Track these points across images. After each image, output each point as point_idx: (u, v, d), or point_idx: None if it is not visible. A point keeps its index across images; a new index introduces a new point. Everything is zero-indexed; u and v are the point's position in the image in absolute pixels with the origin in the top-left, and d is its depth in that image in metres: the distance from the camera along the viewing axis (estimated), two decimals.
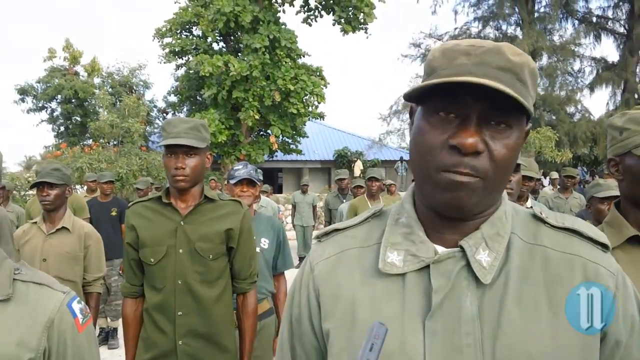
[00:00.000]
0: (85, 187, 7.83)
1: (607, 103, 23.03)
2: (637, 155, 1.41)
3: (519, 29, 22.11)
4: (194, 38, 20.30)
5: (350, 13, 18.93)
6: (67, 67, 21.78)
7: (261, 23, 18.02)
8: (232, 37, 20.20)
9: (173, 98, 22.38)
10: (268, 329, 2.99)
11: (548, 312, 0.79)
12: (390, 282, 0.85)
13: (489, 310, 0.79)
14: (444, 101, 0.79)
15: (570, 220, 0.87)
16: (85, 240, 3.25)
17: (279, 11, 19.21)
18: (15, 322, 1.11)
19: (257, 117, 18.09)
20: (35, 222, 3.24)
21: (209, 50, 19.48)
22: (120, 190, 13.11)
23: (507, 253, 0.83)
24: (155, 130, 22.41)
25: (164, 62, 20.23)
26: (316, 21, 20.11)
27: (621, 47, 22.19)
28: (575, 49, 22.01)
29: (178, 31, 20.18)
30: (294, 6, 19.56)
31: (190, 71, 19.63)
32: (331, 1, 18.92)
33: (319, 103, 19.47)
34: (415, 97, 0.83)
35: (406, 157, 22.76)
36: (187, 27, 20.40)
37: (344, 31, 19.11)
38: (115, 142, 16.10)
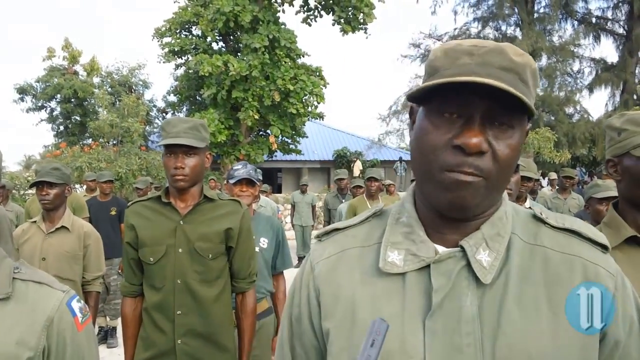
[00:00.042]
0: (84, 187, 7.83)
1: (606, 104, 23.09)
2: (636, 156, 1.41)
3: (518, 29, 22.13)
4: (194, 38, 20.29)
5: (349, 13, 18.93)
6: (67, 66, 21.77)
7: (261, 23, 18.01)
8: (231, 37, 20.20)
9: (172, 98, 22.37)
10: (267, 328, 2.99)
11: (548, 312, 0.79)
12: (391, 282, 0.85)
13: (489, 310, 0.79)
14: (448, 101, 0.79)
15: (570, 220, 0.87)
16: (84, 240, 3.26)
17: (279, 11, 19.21)
18: (14, 321, 1.11)
19: (256, 117, 18.08)
20: (35, 221, 3.24)
21: (209, 50, 19.47)
22: (119, 190, 13.11)
23: (507, 253, 0.83)
24: (155, 129, 22.39)
25: (164, 62, 20.24)
26: (316, 21, 20.13)
27: (620, 48, 22.21)
28: (575, 50, 22.02)
29: (177, 31, 20.17)
30: (293, 6, 19.56)
31: (190, 71, 19.63)
32: (331, 1, 18.92)
33: (318, 103, 19.47)
34: (417, 97, 0.83)
35: (405, 157, 22.78)
36: (187, 26, 20.40)
37: (344, 31, 19.11)
38: (114, 142, 16.10)
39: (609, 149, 1.51)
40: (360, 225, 0.96)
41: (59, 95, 20.92)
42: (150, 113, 22.24)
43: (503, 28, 22.71)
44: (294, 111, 18.36)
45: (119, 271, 5.65)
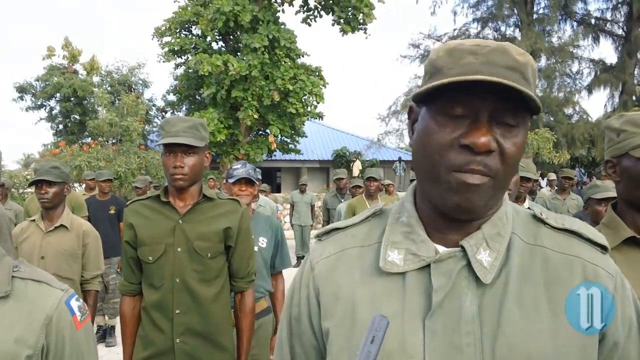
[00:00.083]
0: (83, 186, 7.84)
1: (605, 105, 23.12)
2: (634, 157, 1.41)
3: (517, 30, 22.14)
4: (193, 37, 20.28)
5: (349, 13, 18.94)
6: (66, 65, 21.76)
7: (260, 23, 18.01)
8: (231, 37, 20.19)
9: (172, 97, 22.35)
10: (265, 327, 2.99)
11: (548, 312, 0.79)
12: (391, 281, 0.85)
13: (489, 310, 0.79)
14: (453, 100, 0.78)
15: (569, 221, 0.88)
16: (83, 238, 3.25)
17: (279, 11, 19.21)
18: (13, 319, 1.11)
19: (256, 116, 18.09)
20: (34, 220, 3.24)
21: (208, 50, 19.47)
22: (118, 189, 13.12)
23: (507, 253, 0.83)
24: (154, 129, 22.38)
25: (163, 61, 20.23)
26: (315, 21, 20.13)
27: (619, 49, 22.23)
28: (574, 51, 22.04)
29: (177, 30, 20.16)
30: (293, 6, 19.56)
31: (190, 70, 19.61)
32: (330, 1, 18.92)
33: (317, 103, 19.48)
34: (422, 97, 0.82)
35: (404, 157, 22.79)
36: (187, 26, 20.38)
37: (343, 31, 19.11)
38: (113, 141, 16.10)
39: (607, 149, 1.51)
40: (360, 225, 0.96)
41: (58, 94, 20.90)
42: (150, 112, 22.22)
43: (502, 29, 22.73)
44: (294, 111, 18.37)
45: (118, 270, 5.65)
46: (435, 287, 0.80)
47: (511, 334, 0.77)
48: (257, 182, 3.03)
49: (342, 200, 7.99)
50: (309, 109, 19.44)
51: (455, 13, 28.93)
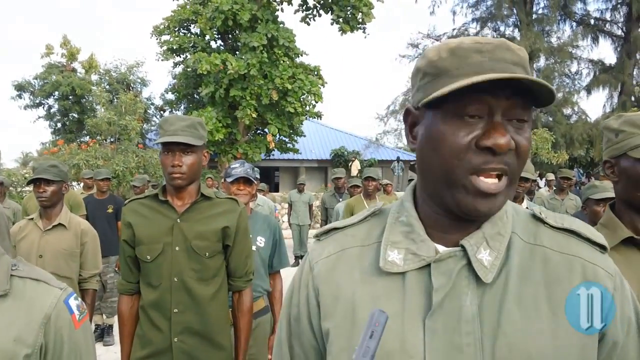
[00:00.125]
0: (81, 184, 7.82)
1: (604, 105, 23.17)
2: (633, 157, 1.41)
3: (516, 30, 22.18)
4: (192, 36, 20.25)
5: (348, 12, 18.93)
6: (65, 63, 21.74)
7: (259, 21, 18.00)
8: (230, 36, 20.17)
9: (170, 96, 22.33)
10: (263, 327, 2.99)
11: (548, 312, 0.79)
12: (391, 281, 0.84)
13: (489, 309, 0.79)
14: (465, 101, 0.77)
15: (569, 220, 0.88)
16: (81, 237, 3.25)
17: (277, 10, 19.19)
18: (12, 318, 1.11)
19: (254, 115, 18.07)
20: (32, 219, 3.23)
21: (207, 48, 19.45)
22: (116, 188, 13.11)
23: (507, 253, 0.83)
24: (152, 127, 22.36)
25: (162, 60, 20.21)
26: (314, 20, 20.11)
27: (619, 49, 22.27)
28: (573, 51, 22.09)
29: (176, 29, 20.13)
30: (292, 5, 19.55)
31: (188, 69, 19.58)
32: (330, 0, 18.91)
33: (316, 102, 19.45)
34: (432, 100, 0.79)
35: (403, 157, 22.81)
36: (185, 24, 20.35)
37: (342, 30, 19.10)
38: (112, 139, 16.07)
39: (606, 150, 1.52)
40: (359, 225, 0.95)
41: (56, 93, 20.89)
42: (148, 111, 22.21)
43: (501, 29, 22.79)
44: (292, 110, 18.35)
45: (116, 269, 5.64)
46: (435, 287, 0.80)
47: (511, 333, 0.77)
48: (256, 182, 3.02)
49: (340, 199, 7.99)
50: (307, 108, 19.42)
51: (454, 13, 29.05)
